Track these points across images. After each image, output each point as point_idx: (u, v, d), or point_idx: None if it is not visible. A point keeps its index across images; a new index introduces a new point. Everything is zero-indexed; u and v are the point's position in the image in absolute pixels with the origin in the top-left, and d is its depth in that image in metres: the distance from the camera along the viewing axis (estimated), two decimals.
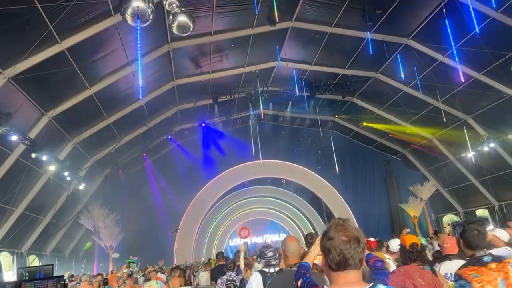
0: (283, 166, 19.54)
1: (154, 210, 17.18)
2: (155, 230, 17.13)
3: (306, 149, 19.56)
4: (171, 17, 8.11)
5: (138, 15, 7.00)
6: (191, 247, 18.32)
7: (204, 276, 8.88)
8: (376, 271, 1.77)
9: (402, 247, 3.32)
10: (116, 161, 15.78)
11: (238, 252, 6.57)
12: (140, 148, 16.58)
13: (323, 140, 18.76)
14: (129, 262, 8.57)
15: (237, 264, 5.99)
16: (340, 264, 1.48)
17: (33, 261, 12.80)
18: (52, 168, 11.71)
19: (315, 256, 2.46)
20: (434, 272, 3.00)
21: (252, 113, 17.90)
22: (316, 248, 2.44)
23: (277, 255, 3.32)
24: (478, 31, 10.11)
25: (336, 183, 19.65)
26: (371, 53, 12.53)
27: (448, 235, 5.22)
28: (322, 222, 20.21)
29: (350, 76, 15.40)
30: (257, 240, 21.24)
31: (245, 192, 20.70)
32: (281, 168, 19.61)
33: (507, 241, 3.40)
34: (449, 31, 10.25)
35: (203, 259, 15.83)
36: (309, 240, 3.71)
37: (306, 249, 3.46)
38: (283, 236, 22.57)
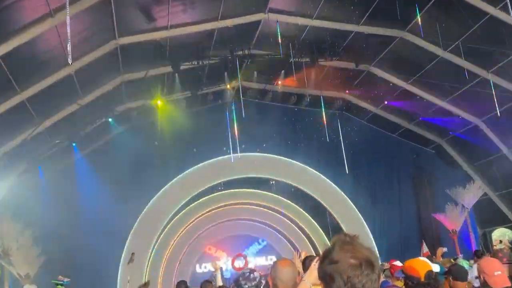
0: (272, 162, 19.76)
1: (90, 224, 17.21)
2: (91, 253, 17.11)
3: (304, 138, 19.82)
4: None
5: None
6: (142, 275, 18.48)
7: None
8: None
9: (411, 279, 3.39)
10: (33, 154, 15.67)
11: (213, 274, 6.70)
12: (68, 136, 16.50)
13: (329, 126, 18.86)
14: (57, 284, 8.86)
15: None
16: None
17: None
18: None
19: (310, 286, 2.55)
20: None
21: (229, 86, 17.97)
22: (311, 275, 2.54)
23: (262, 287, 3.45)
24: None
25: (346, 185, 20.00)
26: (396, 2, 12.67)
27: (500, 257, 5.38)
28: (327, 240, 20.52)
29: (366, 36, 15.53)
30: (237, 264, 21.62)
31: (219, 198, 20.85)
32: (269, 164, 19.81)
33: None
34: None
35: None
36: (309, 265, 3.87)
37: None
38: (272, 259, 23.48)
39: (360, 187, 20.28)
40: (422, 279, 3.28)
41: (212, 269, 6.87)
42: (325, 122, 18.60)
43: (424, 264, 3.36)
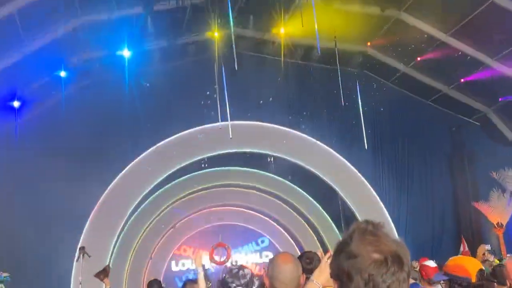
0: (271, 133, 19.80)
1: (36, 207, 17.12)
2: (37, 243, 17.05)
3: (313, 104, 19.74)
4: None
5: None
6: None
7: None
8: None
9: (459, 280, 3.43)
10: None
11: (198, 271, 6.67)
12: (9, 93, 16.36)
13: (344, 88, 18.63)
14: None
15: None
16: None
17: None
18: None
19: None
20: None
21: (217, 35, 17.65)
22: (322, 274, 2.68)
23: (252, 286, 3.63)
24: None
25: (365, 164, 19.97)
26: None
27: None
28: (337, 233, 20.70)
29: None
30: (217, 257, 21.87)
31: (202, 178, 21.04)
32: (267, 136, 19.82)
33: None
34: None
35: None
36: (306, 263, 4.02)
37: None
38: (268, 255, 23.88)
39: (383, 167, 20.20)
40: (473, 280, 3.24)
41: (196, 267, 6.84)
42: (340, 84, 18.22)
43: (475, 262, 3.32)
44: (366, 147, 18.83)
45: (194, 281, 7.65)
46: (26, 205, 16.94)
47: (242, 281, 3.57)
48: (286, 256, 3.12)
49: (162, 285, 8.12)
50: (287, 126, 19.87)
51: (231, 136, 17.47)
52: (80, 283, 15.28)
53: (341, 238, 1.74)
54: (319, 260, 4.00)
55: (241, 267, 3.76)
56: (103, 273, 10.17)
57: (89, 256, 15.45)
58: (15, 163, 17.12)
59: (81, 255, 15.56)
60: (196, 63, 18.90)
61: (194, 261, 6.57)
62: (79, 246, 17.27)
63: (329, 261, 2.33)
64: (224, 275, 3.73)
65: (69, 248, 17.36)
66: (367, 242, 1.59)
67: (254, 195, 22.23)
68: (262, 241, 23.45)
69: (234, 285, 3.56)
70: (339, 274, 1.61)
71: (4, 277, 10.29)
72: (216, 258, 20.63)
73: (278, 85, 19.42)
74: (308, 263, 4.12)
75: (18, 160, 17.13)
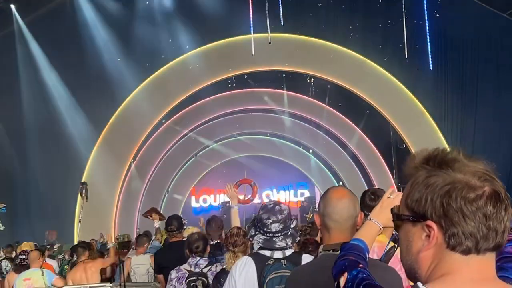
0: (315, 49, 19.46)
1: (38, 132, 17.63)
2: (39, 173, 17.68)
3: (364, 14, 19.38)
4: None
5: None
6: (110, 211, 19.06)
7: (141, 265, 9.20)
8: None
9: None
10: None
11: (227, 207, 6.55)
12: None
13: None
14: None
15: (215, 242, 6.47)
16: (482, 242, 1.49)
17: None
18: None
19: (380, 230, 2.65)
20: None
21: None
22: (383, 212, 2.63)
23: (291, 226, 3.64)
24: None
25: (427, 88, 19.40)
26: None
27: None
28: (389, 173, 20.52)
29: None
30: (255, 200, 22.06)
31: (227, 100, 21.14)
32: (307, 53, 19.48)
33: None
34: None
35: (135, 232, 16.06)
36: (371, 199, 4.08)
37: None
38: (303, 194, 24.28)
39: (449, 92, 19.51)
40: None
41: (231, 201, 6.71)
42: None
43: None
44: (430, 67, 18.36)
45: (219, 217, 7.84)
46: (33, 127, 17.76)
47: (279, 217, 3.57)
48: (340, 191, 3.10)
49: (183, 221, 7.78)
50: (331, 41, 19.39)
51: (253, 53, 17.24)
52: (80, 221, 15.73)
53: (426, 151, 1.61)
54: None
55: (277, 203, 3.73)
56: (150, 211, 10.69)
57: (86, 199, 15.80)
58: (20, 76, 17.94)
59: (83, 191, 15.77)
60: None
61: (229, 197, 6.41)
62: (89, 176, 18.27)
63: (392, 196, 2.64)
64: (259, 210, 3.72)
65: (73, 178, 17.88)
66: (469, 167, 1.52)
67: (289, 123, 22.38)
68: (302, 186, 23.68)
69: (270, 221, 3.56)
70: (425, 207, 1.51)
71: (2, 208, 10.41)
72: (240, 196, 20.65)
73: None
74: (372, 199, 4.08)
75: (24, 73, 17.95)
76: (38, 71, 17.85)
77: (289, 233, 3.57)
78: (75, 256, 10.15)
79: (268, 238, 3.55)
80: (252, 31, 17.59)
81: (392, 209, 1.63)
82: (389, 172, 20.67)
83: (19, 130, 17.49)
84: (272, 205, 3.67)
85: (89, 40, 18.06)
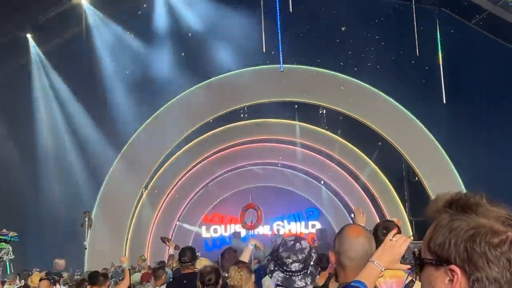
0: (326, 81, 19.46)
1: (52, 156, 17.61)
2: (52, 198, 17.51)
3: (378, 47, 19.19)
4: None
5: None
6: (120, 239, 18.91)
7: None
8: None
9: None
10: None
11: (250, 244, 6.70)
12: (19, 21, 16.30)
13: (419, 29, 18.12)
14: (0, 240, 9.46)
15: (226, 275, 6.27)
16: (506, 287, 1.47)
17: None
18: None
19: (381, 272, 2.66)
20: None
21: None
22: (385, 255, 2.65)
23: (311, 264, 3.55)
24: None
25: (440, 123, 19.23)
26: None
27: None
28: (401, 206, 20.33)
29: None
30: (266, 232, 22.32)
31: (240, 130, 21.04)
32: (320, 84, 19.50)
33: None
34: None
35: (142, 262, 16.09)
36: (384, 234, 3.90)
37: None
38: (314, 226, 24.13)
39: (462, 126, 19.19)
40: None
41: (255, 246, 6.80)
42: (414, 24, 17.89)
43: None
44: (444, 100, 18.24)
45: (234, 249, 7.78)
46: (47, 151, 17.65)
47: (300, 257, 3.48)
48: (356, 229, 3.13)
49: (197, 253, 7.74)
50: (345, 73, 19.45)
51: (282, 69, 17.05)
52: (86, 248, 15.80)
53: (455, 194, 1.59)
54: (398, 229, 3.94)
55: (297, 239, 3.65)
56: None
57: (90, 226, 15.79)
58: (34, 103, 17.75)
59: (86, 220, 15.75)
60: None
61: (254, 244, 6.60)
62: (105, 199, 18.33)
63: (394, 239, 2.60)
64: (277, 247, 3.62)
65: (87, 203, 17.95)
66: (493, 212, 1.50)
67: (300, 153, 22.22)
68: (312, 212, 23.48)
69: (290, 260, 3.47)
70: (450, 252, 1.49)
71: (11, 237, 10.36)
72: (246, 219, 20.53)
73: (337, 22, 18.80)
74: (385, 234, 3.82)
75: (37, 99, 17.81)
76: (55, 99, 17.93)
77: (308, 272, 3.54)
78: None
79: (287, 277, 3.51)
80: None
81: (413, 252, 1.64)
82: (401, 205, 20.51)
83: (33, 158, 17.44)
84: (292, 242, 3.60)
85: (104, 68, 18.13)
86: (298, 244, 3.55)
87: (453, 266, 1.47)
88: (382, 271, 2.63)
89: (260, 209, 20.41)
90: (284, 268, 3.46)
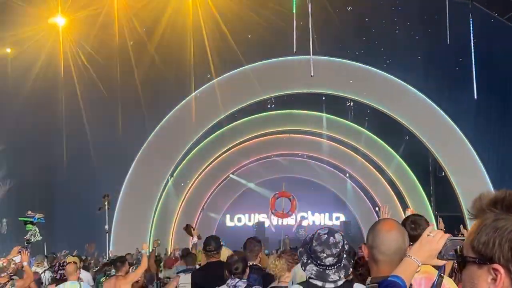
0: (355, 73, 19.41)
1: (79, 141, 17.73)
2: (78, 182, 17.59)
3: (409, 41, 19.10)
4: None
5: None
6: (145, 225, 19.05)
7: (187, 283, 8.67)
8: None
9: None
10: None
11: (261, 227, 6.53)
12: None
13: (450, 23, 17.73)
14: (26, 222, 9.13)
15: (252, 263, 6.24)
16: None
17: None
18: None
19: (418, 267, 2.62)
20: None
21: None
22: (422, 250, 2.60)
23: (344, 257, 3.49)
24: None
25: (467, 116, 19.09)
26: None
27: None
28: (427, 201, 20.12)
29: None
30: (290, 222, 22.03)
31: (267, 121, 21.06)
32: (348, 76, 19.48)
33: None
34: None
35: (169, 248, 16.03)
36: (412, 228, 3.91)
37: None
38: (339, 218, 24.17)
39: (492, 122, 19.06)
40: None
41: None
42: (446, 17, 17.50)
43: None
44: (475, 96, 17.96)
45: (257, 239, 7.52)
46: (73, 136, 17.83)
47: (334, 251, 3.41)
48: (389, 223, 3.09)
49: (221, 242, 7.70)
50: (375, 66, 19.33)
51: (312, 74, 16.94)
52: (107, 232, 15.63)
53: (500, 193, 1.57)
54: (427, 224, 3.94)
55: (331, 232, 3.55)
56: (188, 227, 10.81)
57: (108, 208, 15.83)
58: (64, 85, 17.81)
59: (106, 203, 15.80)
60: None
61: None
62: (131, 185, 18.47)
63: (432, 234, 2.52)
64: (310, 240, 3.54)
65: (113, 188, 17.96)
66: None
67: (326, 145, 22.12)
68: (337, 214, 23.64)
69: (324, 254, 3.40)
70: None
71: (37, 218, 10.42)
72: (278, 209, 20.48)
73: (365, 15, 18.72)
74: (413, 228, 3.93)
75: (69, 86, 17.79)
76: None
77: (342, 265, 3.51)
78: (106, 271, 10.32)
79: (321, 270, 3.47)
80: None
81: (455, 250, 1.62)
82: (427, 199, 20.39)
83: (61, 143, 17.53)
84: (326, 236, 3.54)
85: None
86: (332, 238, 3.51)
87: (496, 265, 1.44)
88: (419, 266, 2.62)
89: (295, 198, 20.24)
90: (318, 262, 3.43)
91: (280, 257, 5.60)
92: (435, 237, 2.55)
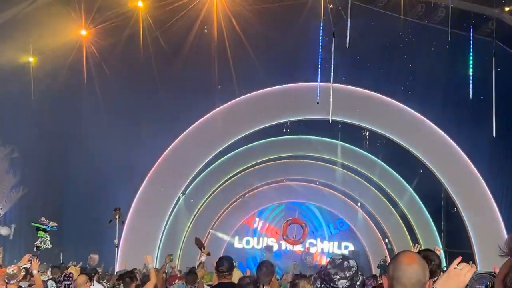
0: (375, 104, 19.41)
1: (93, 153, 17.51)
2: (90, 194, 17.65)
3: (429, 74, 18.92)
4: None
5: None
6: (154, 241, 18.95)
7: None
8: None
9: None
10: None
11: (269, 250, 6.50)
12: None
13: (473, 60, 17.82)
14: (39, 229, 9.10)
15: (265, 287, 6.21)
16: None
17: None
18: None
19: None
20: None
21: None
22: (449, 283, 2.59)
23: (357, 283, 3.52)
24: None
25: (487, 156, 18.96)
26: None
27: None
28: (437, 236, 20.15)
29: None
30: (297, 247, 21.98)
31: (281, 145, 21.05)
32: (368, 107, 19.47)
33: None
34: None
35: (169, 262, 16.19)
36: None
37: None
38: (348, 247, 23.89)
39: (509, 163, 18.99)
40: None
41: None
42: (470, 54, 17.51)
43: None
44: (494, 134, 17.81)
45: (271, 263, 7.43)
46: (87, 148, 17.52)
47: (347, 274, 3.48)
48: (411, 256, 3.04)
49: (234, 263, 7.65)
50: (392, 97, 19.30)
51: (318, 101, 17.32)
52: (116, 246, 15.79)
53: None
54: (439, 259, 4.06)
55: (345, 257, 3.61)
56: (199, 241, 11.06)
57: (122, 223, 15.70)
58: (79, 100, 17.90)
59: (116, 217, 15.73)
60: (293, 8, 18.19)
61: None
62: (143, 201, 18.38)
63: (459, 268, 2.51)
64: (328, 264, 3.58)
65: (124, 203, 17.94)
66: None
67: (339, 173, 22.07)
68: (341, 222, 23.31)
69: (337, 277, 3.46)
70: None
71: (51, 226, 10.39)
72: (290, 235, 20.40)
73: (390, 47, 18.72)
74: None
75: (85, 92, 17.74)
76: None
77: None
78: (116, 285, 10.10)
79: None
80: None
81: (486, 286, 1.65)
82: (437, 235, 20.26)
83: (75, 153, 17.59)
84: (340, 260, 3.60)
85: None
86: (346, 262, 3.57)
87: None
88: None
89: (307, 226, 20.33)
90: (331, 284, 3.48)
91: (308, 280, 5.56)
92: (462, 270, 2.55)
